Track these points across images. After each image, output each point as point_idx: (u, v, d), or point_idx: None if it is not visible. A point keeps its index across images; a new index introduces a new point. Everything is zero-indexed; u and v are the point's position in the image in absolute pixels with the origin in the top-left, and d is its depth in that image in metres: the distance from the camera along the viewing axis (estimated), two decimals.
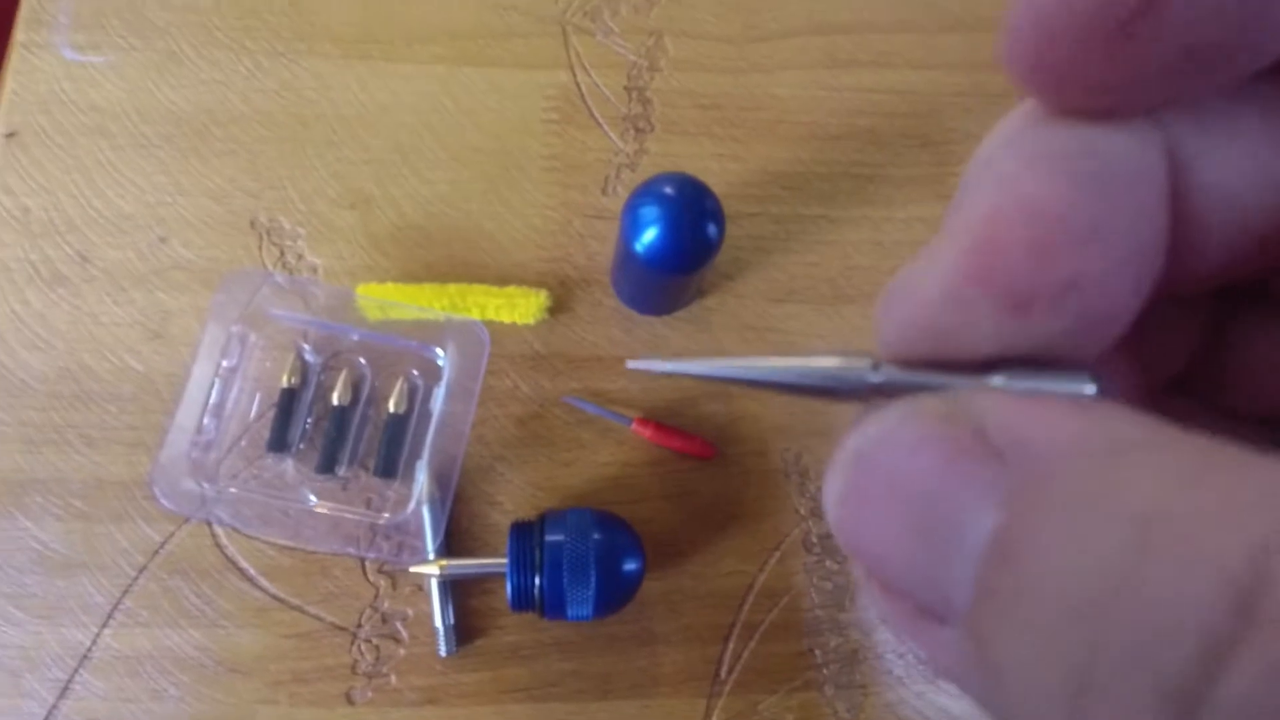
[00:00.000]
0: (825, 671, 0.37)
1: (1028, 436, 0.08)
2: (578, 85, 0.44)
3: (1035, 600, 0.08)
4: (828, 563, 0.39)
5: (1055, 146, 0.10)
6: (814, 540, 0.39)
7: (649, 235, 0.33)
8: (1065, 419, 0.08)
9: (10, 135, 0.40)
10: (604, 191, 0.42)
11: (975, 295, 0.10)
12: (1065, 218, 0.09)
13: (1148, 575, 0.07)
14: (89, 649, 0.35)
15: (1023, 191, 0.09)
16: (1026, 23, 0.09)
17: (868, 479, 0.09)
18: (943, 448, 0.09)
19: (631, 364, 0.14)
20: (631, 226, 0.33)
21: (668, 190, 0.33)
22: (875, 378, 0.11)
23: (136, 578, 0.36)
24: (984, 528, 0.08)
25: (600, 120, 0.44)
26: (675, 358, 0.13)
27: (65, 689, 0.34)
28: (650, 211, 0.33)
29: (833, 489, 0.10)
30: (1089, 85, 0.09)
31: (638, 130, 0.44)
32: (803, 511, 0.39)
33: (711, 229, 0.33)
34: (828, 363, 0.11)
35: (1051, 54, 0.09)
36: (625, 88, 0.44)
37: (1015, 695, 0.08)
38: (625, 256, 0.35)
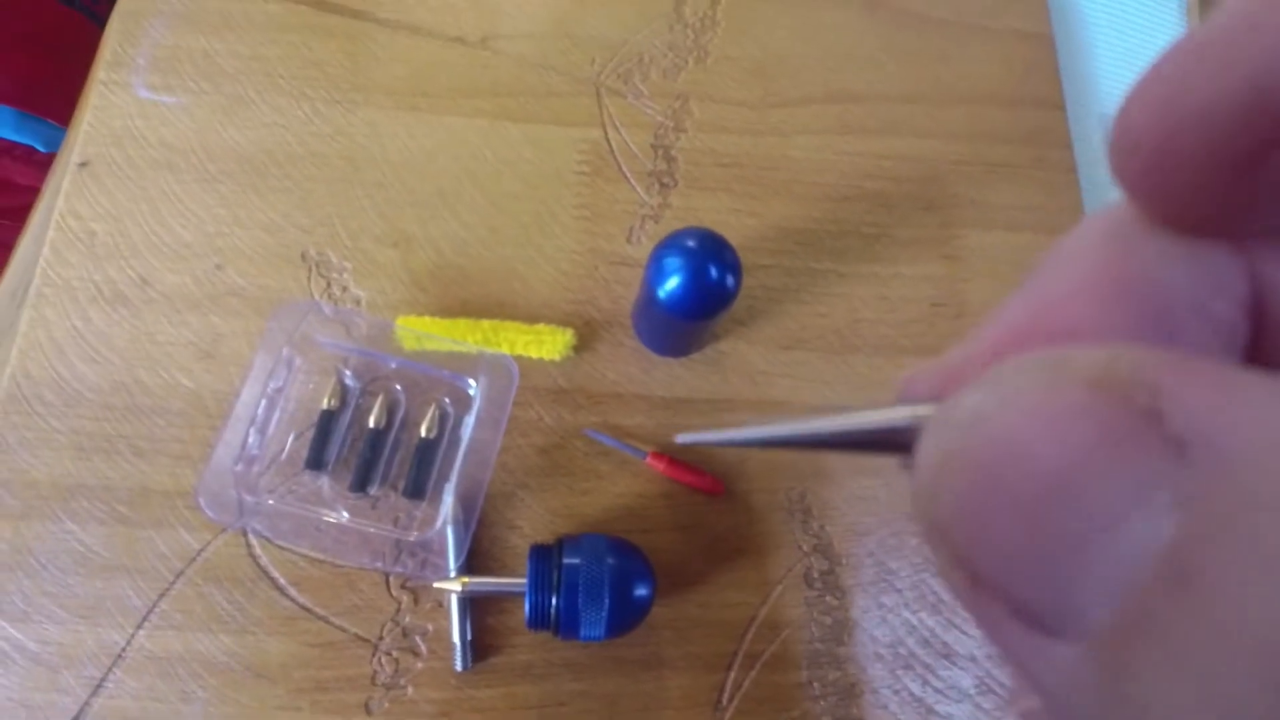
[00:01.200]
0: (823, 704, 0.39)
1: (1221, 429, 0.07)
2: (608, 142, 0.47)
3: (1213, 637, 0.06)
4: (828, 598, 0.41)
5: (1128, 269, 0.09)
6: (816, 576, 0.41)
7: (671, 283, 0.36)
8: (1266, 411, 0.07)
9: (84, 164, 0.44)
10: (629, 240, 0.45)
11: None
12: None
13: None
14: (124, 649, 0.37)
15: (1063, 312, 0.09)
16: (1147, 132, 0.09)
17: (989, 451, 0.08)
18: (1098, 425, 0.07)
19: (681, 439, 0.13)
20: (656, 274, 0.36)
21: (690, 243, 0.36)
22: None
23: (173, 582, 0.38)
24: (1151, 536, 0.07)
25: (628, 174, 0.47)
26: (726, 429, 0.12)
27: (99, 686, 0.36)
28: (674, 262, 0.36)
29: (934, 453, 0.08)
30: (1198, 207, 0.09)
31: (662, 185, 0.47)
32: (805, 548, 0.41)
33: (729, 280, 0.36)
34: (896, 414, 0.10)
35: (1167, 171, 0.09)
36: (652, 145, 0.48)
37: None
38: (648, 301, 0.37)
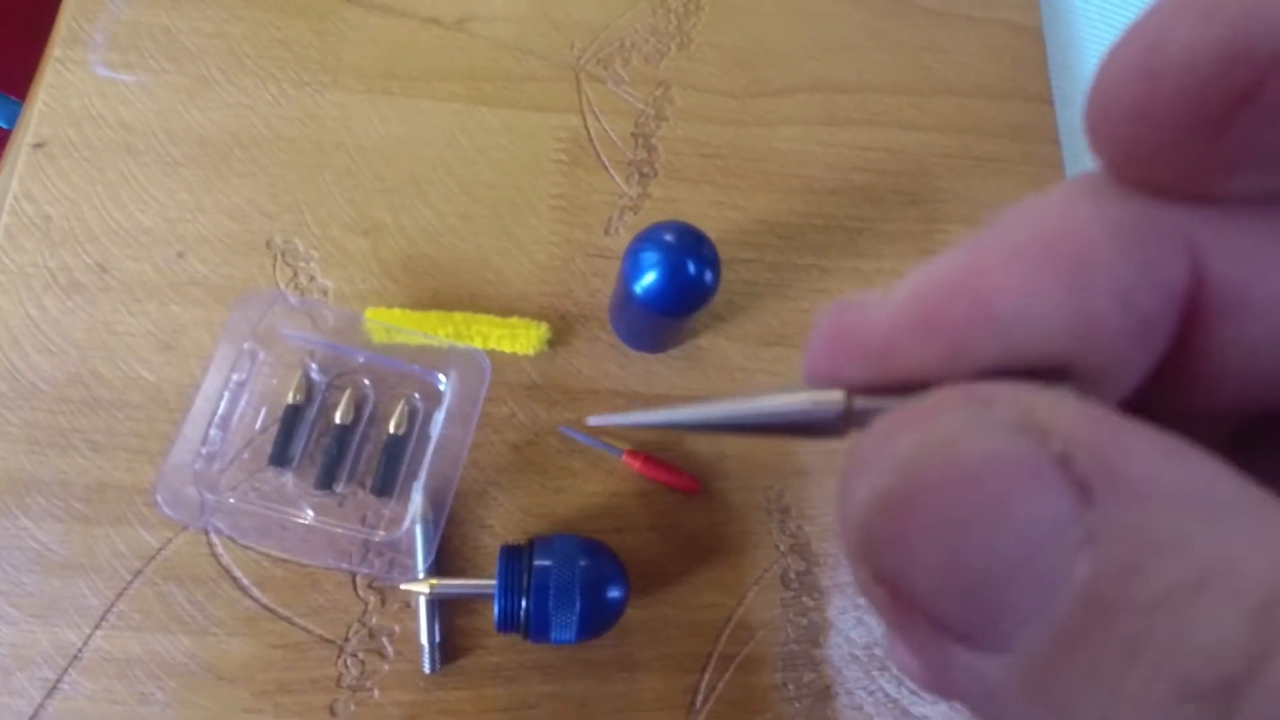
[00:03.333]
0: (797, 705, 0.39)
1: (1125, 476, 0.08)
2: (587, 130, 0.46)
3: (1129, 655, 0.07)
4: (804, 599, 0.40)
5: (1066, 246, 0.09)
6: (792, 576, 0.40)
7: (648, 278, 0.35)
8: (1162, 459, 0.08)
9: (38, 146, 0.42)
10: (606, 232, 0.44)
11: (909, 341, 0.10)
12: (1018, 305, 0.09)
13: (1272, 674, 0.07)
14: (80, 650, 0.35)
15: (985, 279, 0.10)
16: (1123, 87, 0.09)
17: (921, 494, 0.08)
18: (1017, 467, 0.08)
19: (592, 420, 0.14)
20: (632, 269, 0.35)
21: (668, 237, 0.35)
22: (856, 405, 0.10)
23: (131, 581, 0.36)
24: (1067, 569, 0.08)
25: (607, 164, 0.46)
26: (636, 410, 0.12)
27: (54, 688, 0.35)
28: (650, 256, 0.35)
29: (868, 489, 0.09)
30: (1170, 168, 0.09)
31: (642, 175, 0.46)
32: (782, 548, 0.41)
33: (708, 276, 0.35)
34: (798, 399, 0.11)
35: (1140, 127, 0.09)
36: (632, 134, 0.46)
37: None
38: (624, 297, 0.36)
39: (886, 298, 0.11)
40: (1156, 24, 0.09)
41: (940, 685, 0.10)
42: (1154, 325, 0.10)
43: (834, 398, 0.11)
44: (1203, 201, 0.10)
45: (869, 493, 0.09)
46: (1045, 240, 0.10)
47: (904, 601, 0.09)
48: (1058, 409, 0.08)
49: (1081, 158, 0.54)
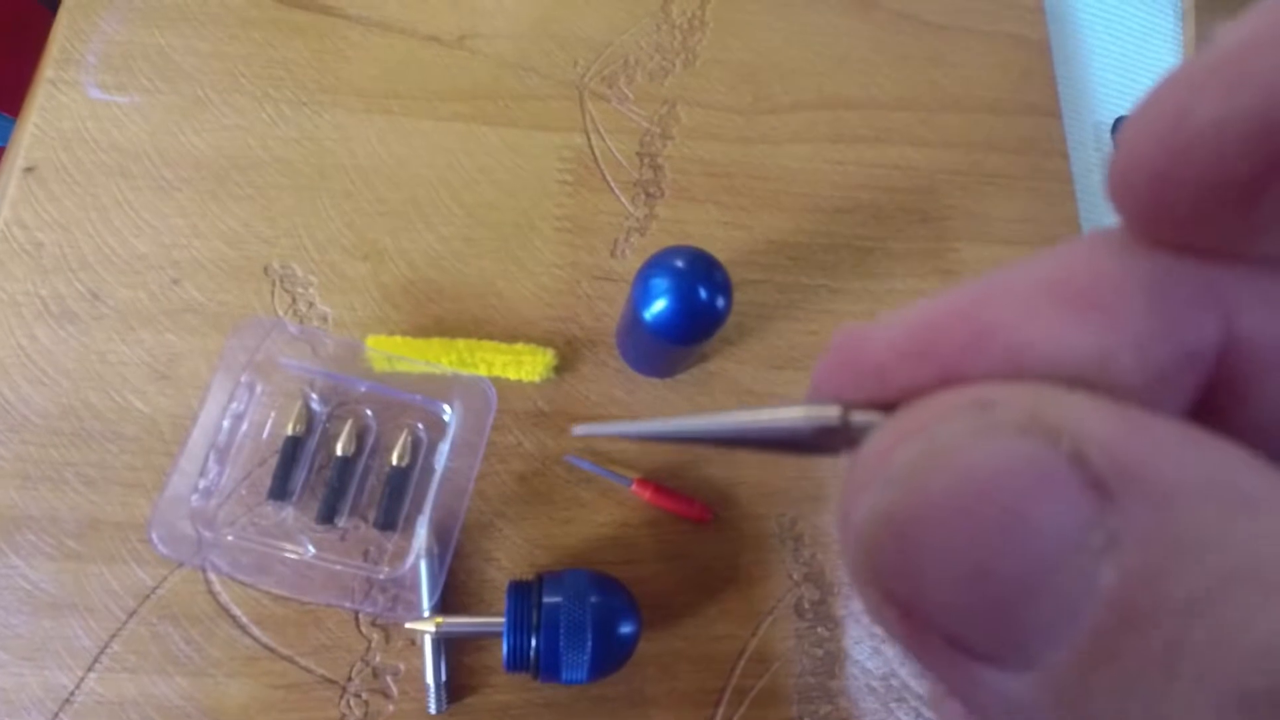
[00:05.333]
0: None
1: (1144, 472, 0.07)
2: (592, 149, 0.45)
3: (1174, 674, 0.07)
4: (819, 629, 0.39)
5: (1088, 292, 0.09)
6: (807, 606, 0.39)
7: (658, 305, 0.34)
8: (1181, 452, 0.07)
9: (30, 169, 0.41)
10: (613, 254, 0.43)
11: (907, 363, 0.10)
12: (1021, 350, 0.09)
13: None
14: (72, 693, 0.34)
15: (996, 299, 0.09)
16: (1149, 156, 0.09)
17: (928, 508, 0.08)
18: (1028, 471, 0.07)
19: (577, 430, 0.13)
20: (642, 295, 0.34)
21: (679, 263, 0.34)
22: (854, 420, 0.10)
23: (126, 621, 0.35)
24: (1092, 577, 0.07)
25: (612, 184, 0.45)
26: (624, 420, 0.12)
27: None
28: (661, 283, 0.34)
29: (869, 507, 0.08)
30: (1197, 233, 0.09)
31: (648, 195, 0.45)
32: (796, 577, 0.40)
33: (720, 302, 0.34)
34: (793, 412, 0.10)
35: (1168, 195, 0.09)
36: (638, 153, 0.46)
37: None
38: (633, 323, 0.36)
39: (891, 321, 0.10)
40: (1183, 93, 0.09)
41: (965, 708, 0.09)
42: (1172, 378, 0.09)
43: (829, 412, 0.10)
44: (1233, 260, 0.09)
45: (870, 511, 0.08)
46: (1059, 282, 0.09)
47: (918, 623, 0.08)
48: (1065, 405, 0.08)
49: (1090, 172, 0.53)
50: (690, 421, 0.11)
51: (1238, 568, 0.07)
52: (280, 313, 0.40)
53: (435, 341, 0.38)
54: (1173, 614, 0.07)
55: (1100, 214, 0.53)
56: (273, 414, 0.37)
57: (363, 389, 0.38)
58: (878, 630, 0.40)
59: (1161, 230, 0.09)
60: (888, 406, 0.10)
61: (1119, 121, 0.53)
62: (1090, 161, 0.54)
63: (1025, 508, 0.07)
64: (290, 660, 0.35)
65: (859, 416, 0.10)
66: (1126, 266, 0.09)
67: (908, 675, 0.39)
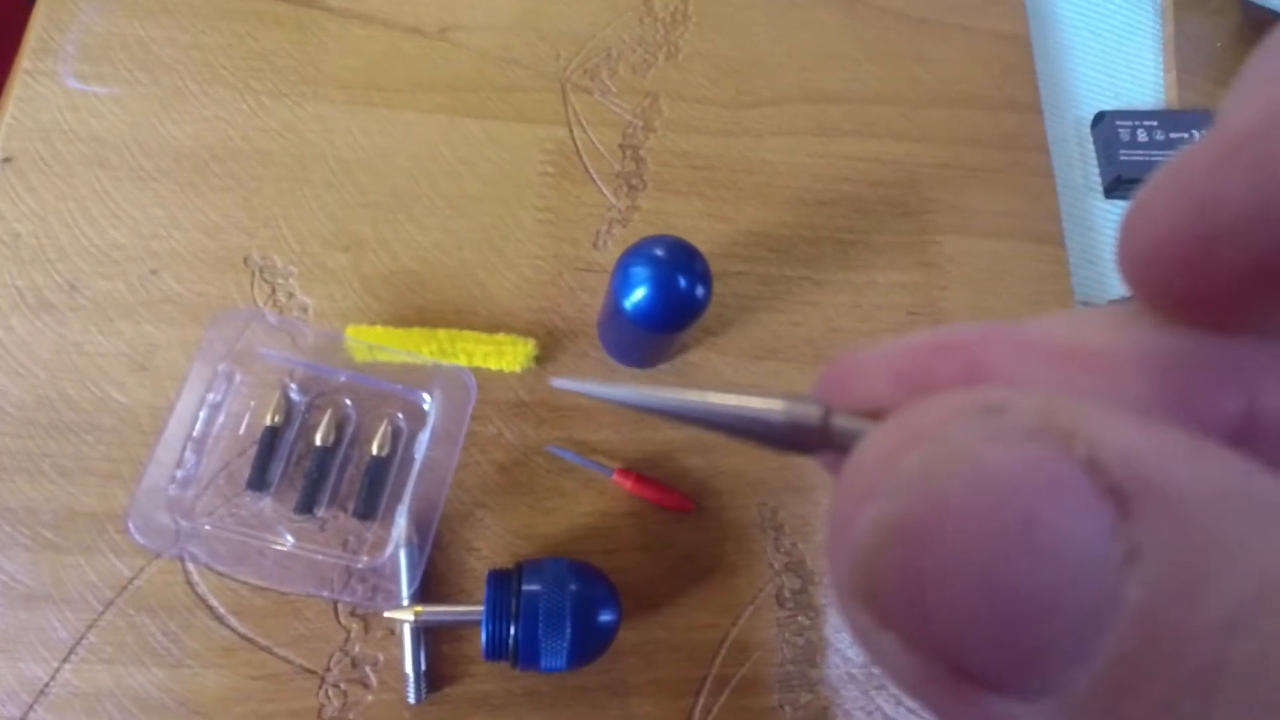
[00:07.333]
0: None
1: (1163, 480, 0.07)
2: (574, 141, 0.45)
3: (1214, 698, 0.06)
4: (800, 618, 0.39)
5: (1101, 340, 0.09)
6: (787, 595, 0.40)
7: (638, 294, 0.34)
8: (1197, 460, 0.07)
9: (6, 160, 0.41)
10: (595, 245, 0.43)
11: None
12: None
13: None
14: (47, 685, 0.34)
15: (994, 343, 0.09)
16: (1172, 241, 0.09)
17: (936, 513, 0.07)
18: (1044, 479, 0.07)
19: (556, 382, 0.12)
20: (621, 285, 0.34)
21: (658, 252, 0.34)
22: (835, 423, 0.10)
23: (103, 613, 0.35)
24: (1115, 592, 0.07)
25: (594, 176, 0.45)
26: (606, 381, 0.11)
27: None
28: (640, 271, 0.34)
29: (873, 519, 0.08)
30: (1213, 311, 0.09)
31: (630, 187, 0.45)
32: (777, 566, 0.40)
33: (699, 291, 0.34)
34: (771, 404, 0.10)
35: (1188, 285, 0.09)
36: (620, 145, 0.46)
37: None
38: (614, 312, 0.36)
39: (885, 345, 0.10)
40: (1202, 177, 0.08)
41: None
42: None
43: (809, 409, 0.10)
44: (1256, 335, 0.09)
45: (874, 523, 0.08)
46: (1066, 344, 0.09)
47: (919, 648, 0.08)
48: (1078, 410, 0.07)
49: (1071, 166, 0.54)
50: (668, 394, 0.11)
51: (1275, 577, 0.06)
52: (260, 303, 0.40)
53: (416, 331, 0.38)
54: (1209, 630, 0.06)
55: (1080, 207, 0.53)
56: (252, 404, 0.37)
57: (342, 379, 0.38)
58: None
59: (1183, 310, 0.09)
60: (872, 416, 0.09)
61: (1099, 116, 0.53)
62: (1071, 156, 0.54)
63: (1041, 517, 0.07)
64: (268, 651, 0.35)
65: (841, 420, 0.10)
66: (1135, 340, 0.09)
67: None
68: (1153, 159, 0.52)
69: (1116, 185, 0.52)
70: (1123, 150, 0.52)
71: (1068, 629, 0.07)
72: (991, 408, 0.08)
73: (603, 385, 0.11)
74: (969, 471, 0.07)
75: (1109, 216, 0.53)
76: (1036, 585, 0.07)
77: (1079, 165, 0.54)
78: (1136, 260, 0.09)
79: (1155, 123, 0.52)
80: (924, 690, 0.08)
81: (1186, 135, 0.52)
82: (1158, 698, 0.06)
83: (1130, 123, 0.52)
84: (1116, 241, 0.09)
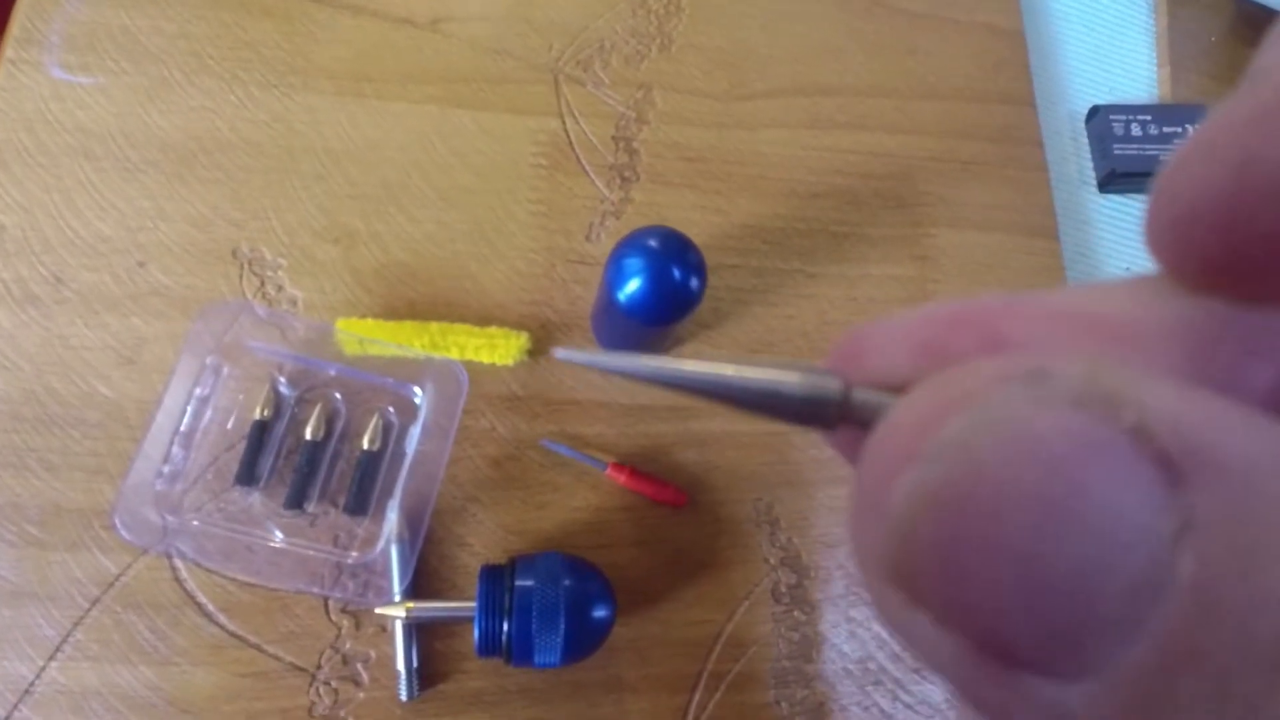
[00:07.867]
0: None
1: (1215, 450, 0.07)
2: (567, 133, 0.45)
3: (1258, 662, 0.06)
4: (795, 613, 0.39)
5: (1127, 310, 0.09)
6: (783, 590, 0.39)
7: (631, 286, 0.34)
8: (1248, 430, 0.07)
9: None
10: (588, 238, 0.43)
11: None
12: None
13: None
14: (32, 683, 0.33)
15: (1017, 314, 0.09)
16: (1209, 208, 0.08)
17: (982, 474, 0.07)
18: (1093, 446, 0.07)
19: (559, 353, 0.12)
20: (615, 276, 0.34)
21: (652, 243, 0.34)
22: (856, 397, 0.10)
23: (89, 610, 0.34)
24: (1166, 565, 0.06)
25: (587, 168, 0.44)
26: (613, 353, 0.11)
27: None
28: (634, 263, 0.34)
29: (913, 484, 0.07)
30: (1251, 279, 0.09)
31: (623, 179, 0.45)
32: (772, 561, 0.40)
33: (693, 283, 0.34)
34: (789, 376, 0.10)
35: (1226, 253, 0.08)
36: (613, 137, 0.45)
37: None
38: (607, 305, 0.35)
39: (900, 315, 0.10)
40: (1239, 138, 0.08)
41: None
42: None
43: (829, 384, 0.10)
44: None
45: (910, 492, 0.07)
46: (1093, 316, 0.09)
47: (956, 628, 0.07)
48: (1124, 378, 0.07)
49: (1064, 160, 0.54)
50: (677, 365, 0.10)
51: None
52: (249, 296, 0.39)
53: (407, 324, 0.38)
54: (1272, 603, 0.06)
55: (1074, 201, 0.53)
56: (240, 398, 0.36)
57: (332, 372, 0.37)
58: (856, 616, 0.40)
59: (1212, 279, 0.09)
60: (893, 388, 0.09)
61: (1094, 110, 0.53)
62: (1065, 150, 0.54)
63: (1091, 486, 0.07)
64: (258, 648, 0.35)
65: (862, 394, 0.09)
66: (1169, 310, 0.09)
67: (885, 659, 0.39)
68: (1147, 153, 0.52)
69: (1110, 179, 0.52)
70: (1117, 144, 0.52)
71: (1115, 605, 0.06)
72: (1035, 373, 0.07)
73: (609, 356, 0.11)
74: (1013, 439, 0.07)
75: (1103, 210, 0.53)
76: (1083, 558, 0.07)
77: (1073, 159, 0.54)
78: (1168, 225, 0.09)
79: (1149, 117, 0.52)
80: (959, 673, 0.07)
81: (1180, 129, 0.52)
82: (1215, 674, 0.06)
83: (1124, 117, 0.52)
84: (1147, 208, 0.09)
